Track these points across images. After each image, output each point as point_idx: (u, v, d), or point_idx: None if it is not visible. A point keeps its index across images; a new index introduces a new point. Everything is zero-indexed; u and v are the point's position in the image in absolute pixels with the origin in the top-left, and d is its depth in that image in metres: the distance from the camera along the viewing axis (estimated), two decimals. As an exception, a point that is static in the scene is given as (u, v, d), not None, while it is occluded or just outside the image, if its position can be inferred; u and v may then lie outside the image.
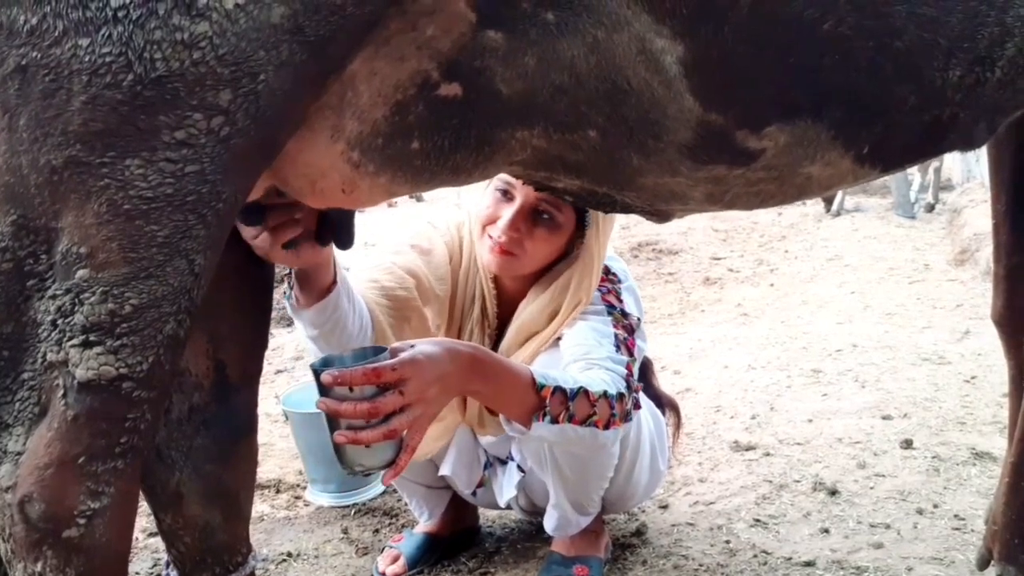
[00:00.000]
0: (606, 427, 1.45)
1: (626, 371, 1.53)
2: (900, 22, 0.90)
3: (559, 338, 1.63)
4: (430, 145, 0.89)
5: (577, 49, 0.86)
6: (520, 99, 0.89)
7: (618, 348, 1.57)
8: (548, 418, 1.38)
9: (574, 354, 1.56)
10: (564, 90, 0.88)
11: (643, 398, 1.86)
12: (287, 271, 1.40)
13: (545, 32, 0.85)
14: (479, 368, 1.32)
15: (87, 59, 0.70)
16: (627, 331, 1.61)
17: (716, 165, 0.98)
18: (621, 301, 1.66)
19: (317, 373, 1.17)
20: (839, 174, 1.02)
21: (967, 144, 1.07)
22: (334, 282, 1.39)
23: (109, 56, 0.70)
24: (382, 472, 1.21)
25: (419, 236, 1.72)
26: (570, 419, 1.40)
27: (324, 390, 1.17)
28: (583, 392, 1.42)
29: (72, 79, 0.71)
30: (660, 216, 1.09)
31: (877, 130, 0.98)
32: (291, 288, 1.41)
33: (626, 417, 1.49)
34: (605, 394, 1.45)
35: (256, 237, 1.16)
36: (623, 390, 1.48)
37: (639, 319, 1.67)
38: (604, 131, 0.92)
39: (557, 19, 0.84)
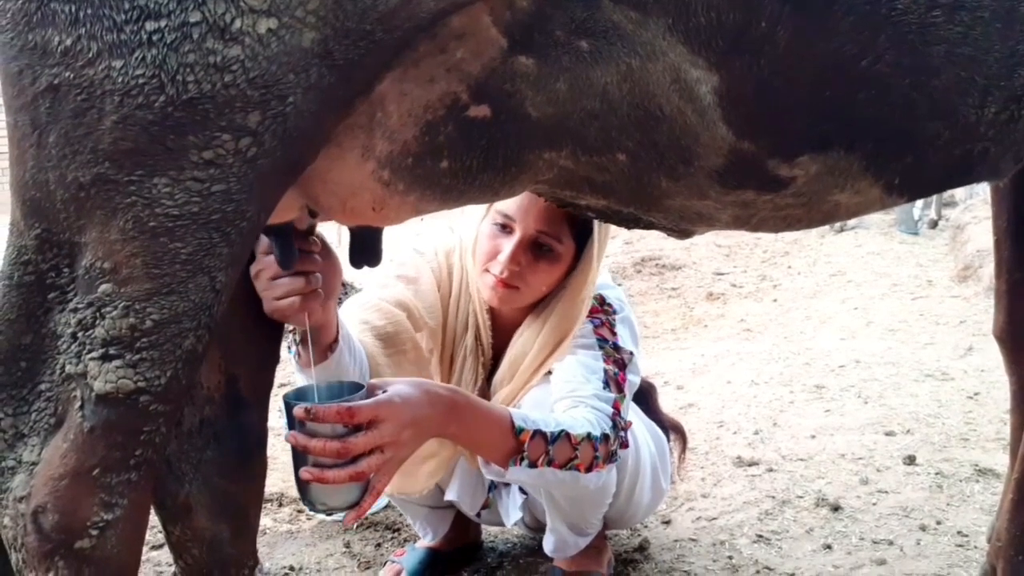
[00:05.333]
0: (588, 470, 1.43)
1: (613, 409, 1.50)
2: (938, 61, 0.90)
3: (551, 372, 1.62)
4: (459, 165, 0.90)
5: (610, 77, 0.87)
6: (550, 122, 0.90)
7: (607, 385, 1.54)
8: (526, 462, 1.35)
9: (561, 391, 1.54)
10: (595, 115, 0.89)
11: (643, 418, 1.85)
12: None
13: (578, 59, 0.86)
14: (456, 412, 1.30)
15: (120, 80, 0.71)
16: (618, 366, 1.59)
17: (745, 190, 0.98)
18: (615, 334, 1.64)
19: (289, 405, 1.14)
20: (867, 202, 1.03)
21: (994, 175, 1.08)
22: (336, 340, 1.38)
23: (142, 78, 0.71)
24: (344, 513, 1.18)
25: (404, 266, 1.71)
26: (549, 463, 1.38)
27: (295, 423, 1.14)
28: (564, 435, 1.39)
29: (104, 99, 0.72)
30: (682, 234, 1.10)
31: (908, 162, 0.99)
32: (296, 344, 1.40)
33: (610, 458, 1.46)
34: (588, 436, 1.42)
35: (282, 299, 1.17)
36: (608, 431, 1.46)
37: (632, 353, 1.64)
38: (634, 155, 0.93)
39: (591, 47, 0.85)
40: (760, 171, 0.96)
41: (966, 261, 4.67)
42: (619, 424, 1.50)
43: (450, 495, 1.81)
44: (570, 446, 1.40)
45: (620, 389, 1.56)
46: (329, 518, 2.17)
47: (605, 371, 1.56)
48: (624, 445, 1.53)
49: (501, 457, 1.36)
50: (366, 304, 1.61)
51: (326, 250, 1.23)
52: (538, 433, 1.36)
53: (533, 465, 1.36)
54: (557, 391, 1.55)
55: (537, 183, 0.99)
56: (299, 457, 1.15)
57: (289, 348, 1.42)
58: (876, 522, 2.03)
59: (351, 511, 1.17)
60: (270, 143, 0.75)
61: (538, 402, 1.56)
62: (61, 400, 0.84)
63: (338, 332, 1.38)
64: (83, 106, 0.73)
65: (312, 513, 2.23)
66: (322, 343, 1.36)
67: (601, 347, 1.60)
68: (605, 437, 1.45)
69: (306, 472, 1.13)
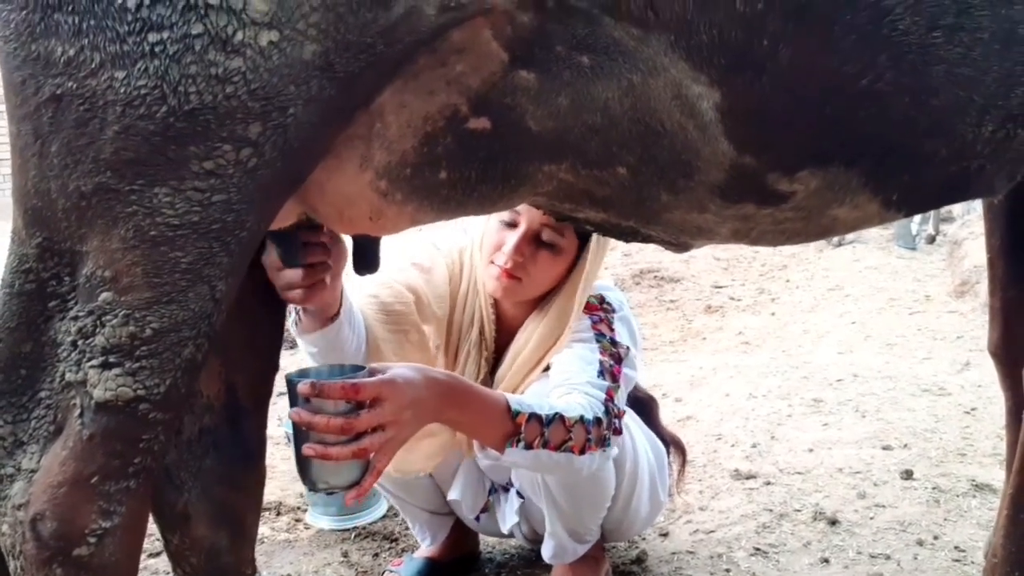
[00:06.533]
0: (581, 452, 1.45)
1: (605, 396, 1.53)
2: (938, 80, 0.91)
3: (549, 367, 1.65)
4: (457, 176, 0.91)
5: (612, 92, 0.87)
6: (550, 136, 0.90)
7: (601, 374, 1.57)
8: (522, 444, 1.38)
9: (556, 380, 1.58)
10: (596, 130, 0.90)
11: (644, 429, 1.86)
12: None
13: (579, 74, 0.86)
14: (454, 396, 1.33)
15: (122, 91, 0.72)
16: (614, 359, 1.62)
17: (745, 204, 0.99)
18: (612, 330, 1.67)
19: (292, 384, 1.16)
20: (865, 216, 1.03)
21: (988, 192, 1.08)
22: (337, 313, 1.42)
23: (144, 88, 0.72)
24: (345, 492, 1.20)
25: (421, 255, 1.75)
26: (544, 445, 1.40)
27: (298, 401, 1.16)
28: (559, 418, 1.42)
29: (106, 109, 0.73)
30: (680, 247, 1.11)
31: (906, 178, 1.00)
32: (296, 312, 1.44)
33: (602, 442, 1.49)
34: (581, 419, 1.45)
35: (289, 288, 1.22)
36: (600, 415, 1.49)
37: (629, 348, 1.67)
38: (634, 169, 0.94)
39: (592, 63, 0.85)
40: (760, 185, 0.96)
41: (963, 276, 4.68)
42: (612, 410, 1.53)
43: (453, 494, 1.84)
44: (564, 428, 1.43)
45: (615, 379, 1.59)
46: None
47: (601, 362, 1.59)
48: (617, 432, 1.55)
49: (498, 440, 1.39)
50: (378, 280, 1.64)
51: (333, 238, 1.27)
52: (533, 416, 1.39)
53: (529, 447, 1.39)
54: (553, 380, 1.59)
55: (536, 195, 0.99)
56: (300, 435, 1.16)
57: (289, 313, 1.46)
58: (873, 536, 2.03)
59: (352, 490, 1.19)
60: (270, 154, 0.76)
61: (539, 394, 1.59)
62: (60, 408, 0.84)
63: (341, 306, 1.42)
64: (85, 116, 0.73)
65: (310, 522, 2.23)
66: (323, 314, 1.41)
67: (598, 341, 1.63)
68: (598, 420, 1.48)
69: (309, 448, 1.14)
